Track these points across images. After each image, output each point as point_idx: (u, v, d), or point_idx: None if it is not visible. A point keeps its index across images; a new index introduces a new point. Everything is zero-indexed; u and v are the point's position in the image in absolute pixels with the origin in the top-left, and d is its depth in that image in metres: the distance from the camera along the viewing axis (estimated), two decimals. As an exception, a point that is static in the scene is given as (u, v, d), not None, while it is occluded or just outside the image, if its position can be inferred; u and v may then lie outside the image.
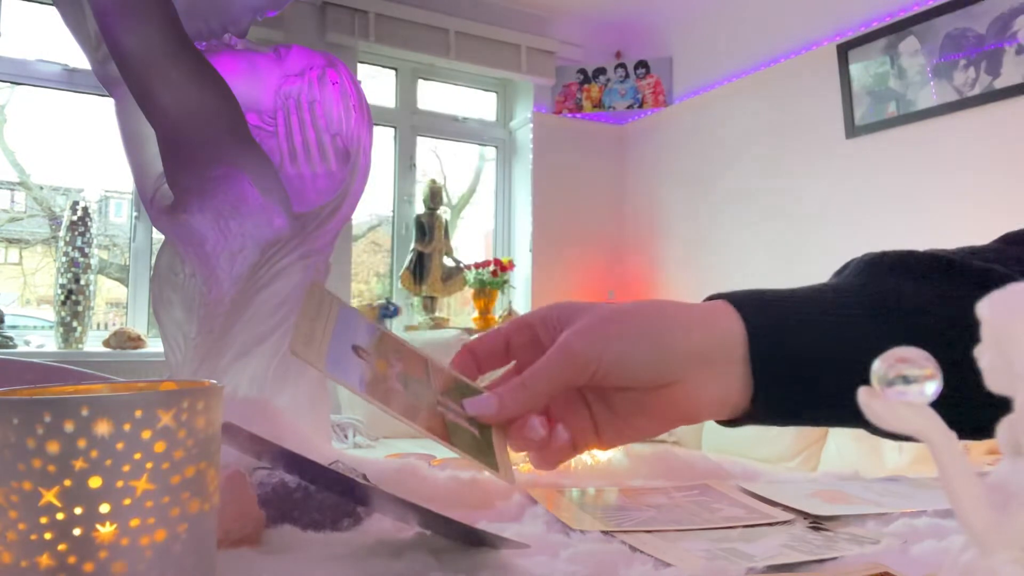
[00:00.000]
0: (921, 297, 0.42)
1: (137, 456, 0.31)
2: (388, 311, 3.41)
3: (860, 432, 0.43)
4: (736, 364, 0.42)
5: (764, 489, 0.63)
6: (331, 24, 3.30)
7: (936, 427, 0.21)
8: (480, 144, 4.01)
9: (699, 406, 0.43)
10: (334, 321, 0.42)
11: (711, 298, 0.45)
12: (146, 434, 0.31)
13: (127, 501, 0.31)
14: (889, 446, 2.34)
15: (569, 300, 0.46)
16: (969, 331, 0.23)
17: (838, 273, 0.47)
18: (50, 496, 0.30)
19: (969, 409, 0.33)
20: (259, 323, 0.86)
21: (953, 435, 0.22)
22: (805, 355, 0.41)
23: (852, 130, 2.88)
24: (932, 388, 0.22)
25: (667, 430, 0.45)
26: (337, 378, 0.40)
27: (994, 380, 0.22)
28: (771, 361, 0.41)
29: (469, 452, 0.41)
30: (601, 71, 3.85)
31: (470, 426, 0.43)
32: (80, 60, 2.24)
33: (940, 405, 0.22)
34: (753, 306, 0.43)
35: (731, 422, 0.45)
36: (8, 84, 3.05)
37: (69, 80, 2.98)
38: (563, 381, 0.42)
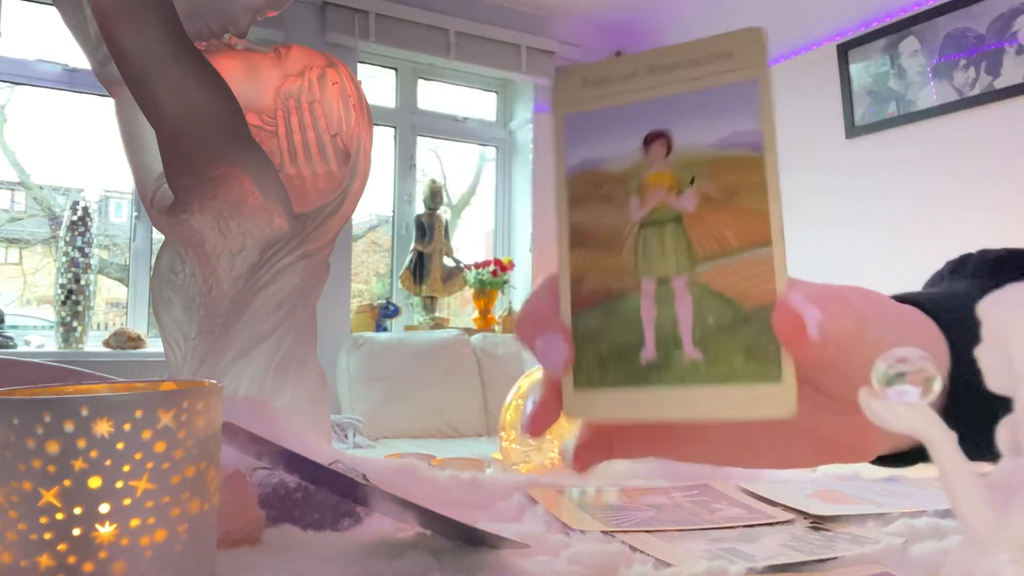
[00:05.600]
0: None
1: (137, 456, 0.31)
2: (388, 311, 3.41)
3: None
4: None
5: (764, 489, 0.63)
6: (331, 24, 3.30)
7: (936, 427, 0.21)
8: (480, 144, 4.01)
9: (881, 437, 0.32)
10: (674, 94, 0.28)
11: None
12: (146, 434, 0.31)
13: (127, 501, 0.31)
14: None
15: None
16: None
17: (954, 272, 0.40)
18: (50, 496, 0.30)
19: None
20: (259, 323, 0.86)
21: (953, 435, 0.21)
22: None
23: (852, 130, 2.88)
24: (932, 388, 0.22)
25: (820, 463, 0.34)
26: (565, 132, 0.28)
27: (994, 380, 0.22)
28: (974, 396, 0.31)
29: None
30: (601, 71, 3.85)
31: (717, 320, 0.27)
32: (80, 60, 2.24)
33: None
34: (953, 320, 0.33)
35: (891, 459, 0.35)
36: (8, 84, 3.05)
37: (69, 80, 2.98)
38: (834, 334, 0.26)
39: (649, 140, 0.28)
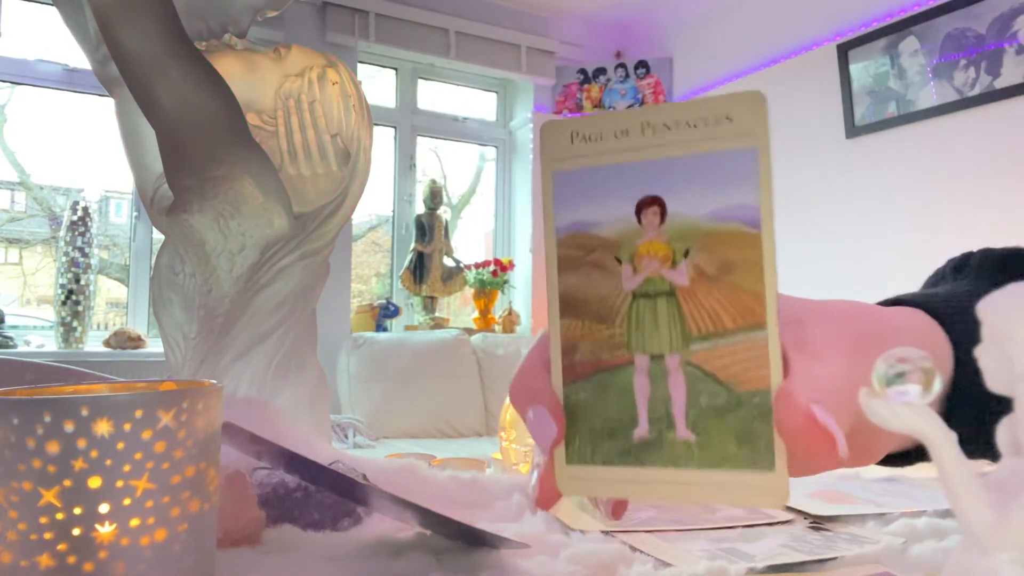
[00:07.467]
0: None
1: (137, 456, 0.31)
2: (388, 311, 3.41)
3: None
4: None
5: (764, 489, 0.63)
6: (331, 24, 3.30)
7: (936, 427, 0.21)
8: (480, 144, 4.01)
9: (885, 442, 0.33)
10: (668, 159, 0.26)
11: (891, 302, 0.36)
12: (146, 434, 0.31)
13: (127, 501, 0.31)
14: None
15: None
16: None
17: (957, 270, 0.41)
18: (50, 496, 0.30)
19: None
20: (259, 323, 0.86)
21: (953, 435, 0.21)
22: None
23: (852, 130, 2.88)
24: (933, 388, 0.22)
25: (824, 471, 0.34)
26: (553, 190, 0.28)
27: (994, 380, 0.22)
28: (974, 396, 0.32)
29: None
30: (601, 71, 3.85)
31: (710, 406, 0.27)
32: (80, 60, 2.24)
33: None
34: (956, 322, 0.33)
35: (891, 458, 0.36)
36: (8, 84, 3.05)
37: (69, 80, 2.98)
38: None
39: (642, 206, 0.27)
